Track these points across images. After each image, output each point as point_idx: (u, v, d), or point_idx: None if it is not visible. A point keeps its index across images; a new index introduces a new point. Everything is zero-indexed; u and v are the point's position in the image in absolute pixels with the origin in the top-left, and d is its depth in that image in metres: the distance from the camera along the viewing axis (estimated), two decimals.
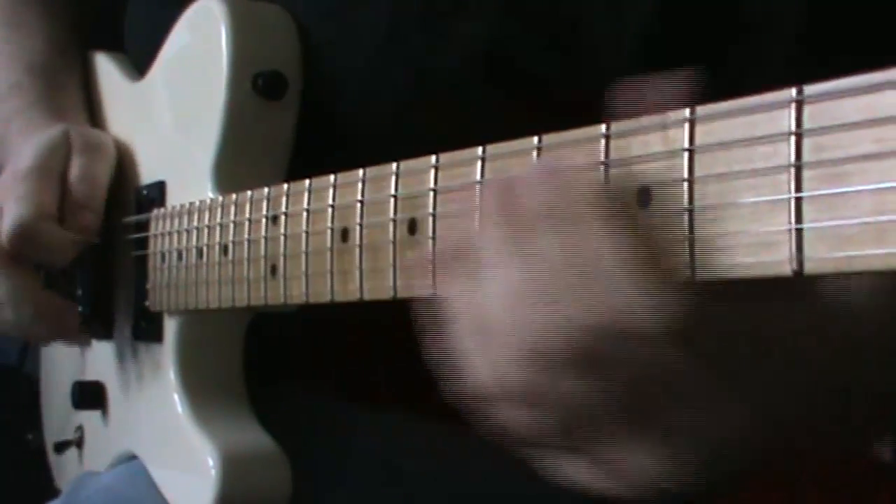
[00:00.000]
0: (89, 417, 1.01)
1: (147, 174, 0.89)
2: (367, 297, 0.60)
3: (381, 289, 0.58)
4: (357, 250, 0.60)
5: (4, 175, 0.90)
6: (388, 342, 0.82)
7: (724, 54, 0.40)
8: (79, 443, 1.04)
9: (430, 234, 0.54)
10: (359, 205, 0.60)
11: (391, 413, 0.85)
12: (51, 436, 1.13)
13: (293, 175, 0.79)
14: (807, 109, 0.37)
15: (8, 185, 0.88)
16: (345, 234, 0.61)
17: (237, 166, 0.79)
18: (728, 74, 0.41)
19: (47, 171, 0.87)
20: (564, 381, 0.44)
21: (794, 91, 0.37)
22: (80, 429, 1.04)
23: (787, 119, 0.37)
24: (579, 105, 0.70)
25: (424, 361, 0.82)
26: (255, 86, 0.77)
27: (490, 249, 0.45)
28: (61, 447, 1.06)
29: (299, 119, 0.79)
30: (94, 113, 1.03)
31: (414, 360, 0.83)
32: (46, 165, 0.88)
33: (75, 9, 1.07)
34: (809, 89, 0.37)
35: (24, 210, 0.85)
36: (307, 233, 0.64)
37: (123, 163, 0.94)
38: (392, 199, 0.57)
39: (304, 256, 0.65)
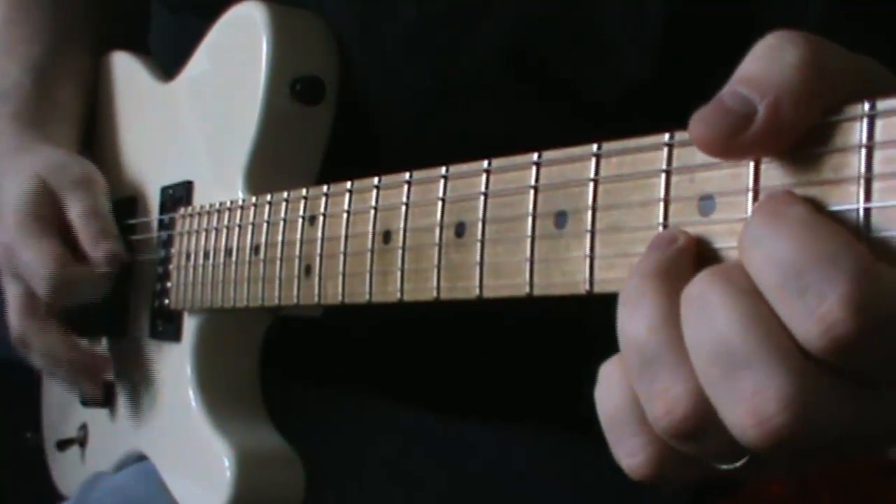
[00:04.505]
0: (95, 415, 1.01)
1: (173, 174, 0.90)
2: (407, 298, 0.61)
3: (422, 290, 0.59)
4: (399, 252, 0.61)
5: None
6: (402, 345, 0.84)
7: (744, 51, 0.41)
8: (82, 441, 1.04)
9: (479, 237, 0.55)
10: (403, 207, 0.60)
11: (403, 414, 0.86)
12: (51, 433, 1.12)
13: (321, 176, 0.80)
14: (879, 123, 0.38)
15: (14, 248, 0.89)
16: (387, 236, 0.62)
17: (270, 169, 0.79)
18: None
19: (41, 225, 0.89)
20: None
21: (866, 105, 0.39)
22: (83, 427, 1.04)
23: (859, 132, 0.39)
24: (602, 102, 0.71)
25: (437, 363, 0.83)
26: (293, 91, 0.78)
27: None
28: (64, 445, 1.06)
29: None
30: (102, 114, 1.03)
31: (427, 362, 0.84)
32: (36, 219, 0.89)
33: (94, 12, 1.07)
34: (882, 104, 0.38)
35: (46, 263, 0.87)
36: (347, 233, 0.65)
37: (145, 163, 0.94)
38: (440, 202, 0.58)
39: (342, 257, 0.65)
